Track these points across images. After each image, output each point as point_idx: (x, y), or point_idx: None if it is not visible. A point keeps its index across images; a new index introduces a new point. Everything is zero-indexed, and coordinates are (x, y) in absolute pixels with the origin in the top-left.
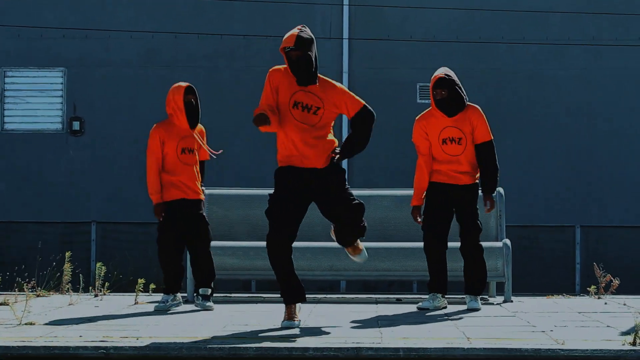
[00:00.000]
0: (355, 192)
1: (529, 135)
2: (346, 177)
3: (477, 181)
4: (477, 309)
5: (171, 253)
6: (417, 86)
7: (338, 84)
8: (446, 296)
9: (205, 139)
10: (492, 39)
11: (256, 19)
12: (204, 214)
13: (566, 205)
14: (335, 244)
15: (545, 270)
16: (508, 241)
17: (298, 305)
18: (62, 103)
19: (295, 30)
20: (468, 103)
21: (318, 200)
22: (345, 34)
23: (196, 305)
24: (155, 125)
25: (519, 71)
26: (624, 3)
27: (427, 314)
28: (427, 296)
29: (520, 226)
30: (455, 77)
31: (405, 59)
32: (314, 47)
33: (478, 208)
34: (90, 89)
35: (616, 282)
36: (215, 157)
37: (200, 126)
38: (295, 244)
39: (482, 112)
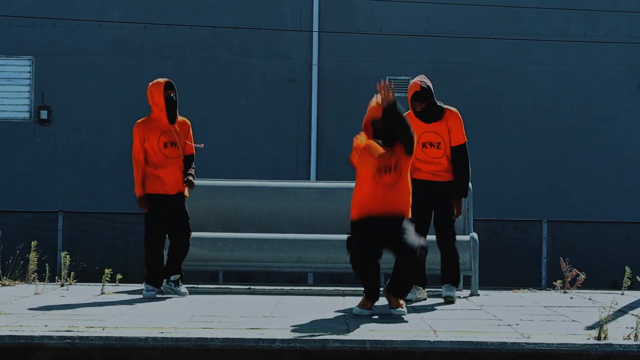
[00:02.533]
0: (321, 184)
1: (497, 130)
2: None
3: None
4: (452, 298)
5: (157, 248)
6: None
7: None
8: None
9: (191, 132)
10: (461, 33)
11: (225, 10)
12: (186, 207)
13: (533, 199)
14: (302, 236)
15: (511, 264)
16: (475, 235)
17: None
18: (29, 92)
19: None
20: (446, 107)
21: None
22: (315, 27)
23: (167, 291)
24: (136, 122)
25: (487, 65)
26: None
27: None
28: None
29: (487, 220)
30: (431, 86)
31: (375, 52)
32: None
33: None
34: (58, 78)
35: (582, 276)
36: (199, 147)
37: (185, 120)
38: (263, 235)
39: (459, 115)
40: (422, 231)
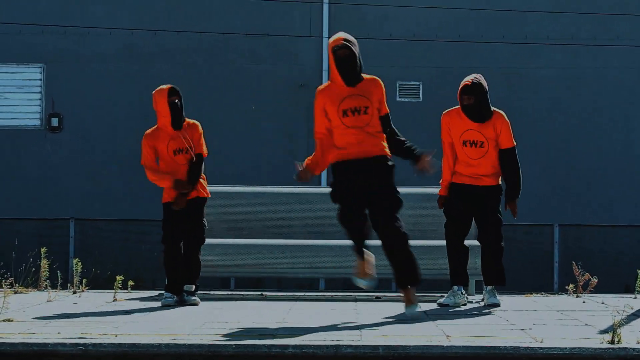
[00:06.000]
0: (327, 190)
1: None
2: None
3: (500, 183)
4: (497, 305)
5: (175, 255)
6: (397, 84)
7: (379, 80)
8: (427, 294)
9: (201, 135)
10: (471, 37)
11: (235, 16)
12: (204, 214)
13: (545, 204)
14: (314, 241)
15: (524, 269)
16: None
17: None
18: (40, 99)
19: (341, 33)
20: (494, 109)
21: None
22: (325, 33)
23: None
24: (144, 134)
25: (497, 70)
26: (602, 2)
27: (406, 312)
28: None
29: None
30: (484, 84)
31: (385, 57)
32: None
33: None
34: (69, 85)
35: (594, 280)
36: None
37: (194, 122)
38: (275, 241)
39: (506, 118)
40: (460, 236)
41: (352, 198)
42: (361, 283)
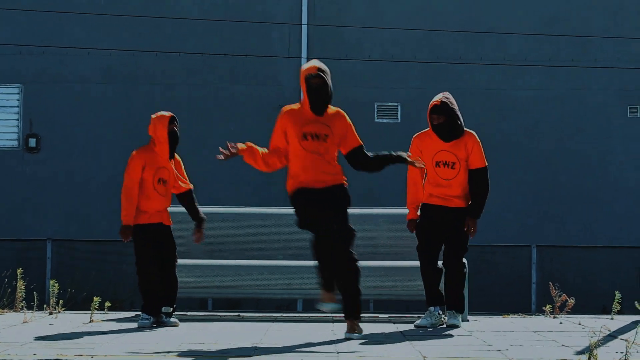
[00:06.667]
0: None
1: (487, 155)
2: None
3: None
4: (457, 326)
5: (150, 277)
6: (375, 105)
7: (345, 115)
8: (405, 315)
9: (183, 168)
10: (450, 59)
11: (214, 37)
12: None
13: (522, 225)
14: (291, 262)
15: (501, 290)
16: (465, 260)
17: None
18: (18, 120)
19: (315, 62)
20: (465, 129)
21: None
22: (304, 54)
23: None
24: (138, 149)
25: (476, 91)
26: (580, 25)
27: (383, 333)
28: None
29: (476, 246)
30: (454, 103)
31: (363, 78)
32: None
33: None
34: (47, 106)
35: (571, 301)
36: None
37: (177, 157)
38: (252, 262)
39: (477, 138)
40: (432, 258)
41: (319, 215)
42: (327, 307)
